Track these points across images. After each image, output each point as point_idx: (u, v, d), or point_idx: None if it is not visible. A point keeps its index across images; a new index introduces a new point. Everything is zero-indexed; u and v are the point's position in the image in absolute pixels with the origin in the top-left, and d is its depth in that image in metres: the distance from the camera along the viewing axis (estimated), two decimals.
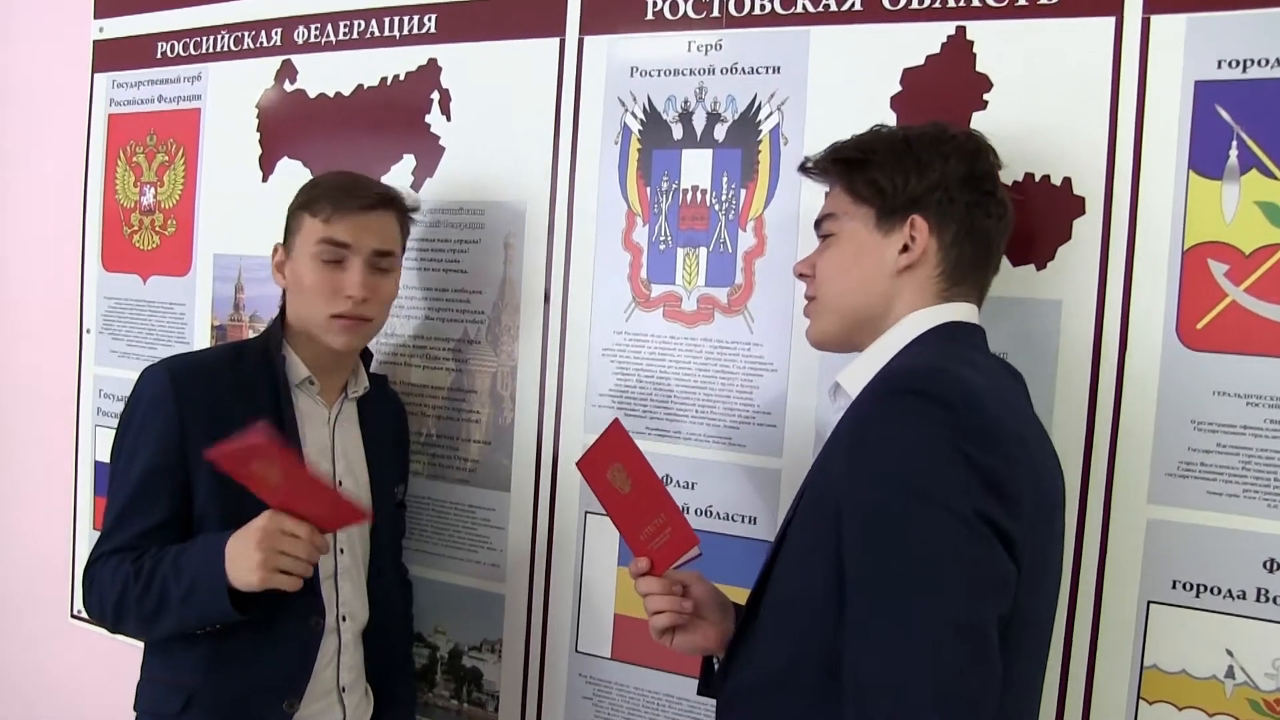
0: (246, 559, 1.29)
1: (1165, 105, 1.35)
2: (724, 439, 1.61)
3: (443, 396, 1.84)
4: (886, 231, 1.18)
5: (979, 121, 1.43)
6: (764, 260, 1.58)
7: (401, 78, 1.86)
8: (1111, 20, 1.37)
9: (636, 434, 1.63)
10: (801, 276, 1.30)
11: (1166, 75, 1.35)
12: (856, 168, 1.21)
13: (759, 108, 1.58)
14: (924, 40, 1.47)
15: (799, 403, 1.56)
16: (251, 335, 2.00)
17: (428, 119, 1.84)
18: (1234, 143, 1.32)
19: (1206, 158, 1.33)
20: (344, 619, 1.56)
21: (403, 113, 1.86)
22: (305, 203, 1.52)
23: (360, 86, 1.90)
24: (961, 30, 1.45)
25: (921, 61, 1.48)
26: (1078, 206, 1.39)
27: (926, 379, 0.98)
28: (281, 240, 1.56)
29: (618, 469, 1.33)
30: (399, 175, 1.86)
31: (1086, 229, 1.39)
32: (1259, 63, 1.31)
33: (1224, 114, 1.33)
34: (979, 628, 0.90)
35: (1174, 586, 1.34)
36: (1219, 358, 1.33)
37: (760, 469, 1.59)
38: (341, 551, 1.56)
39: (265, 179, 2.00)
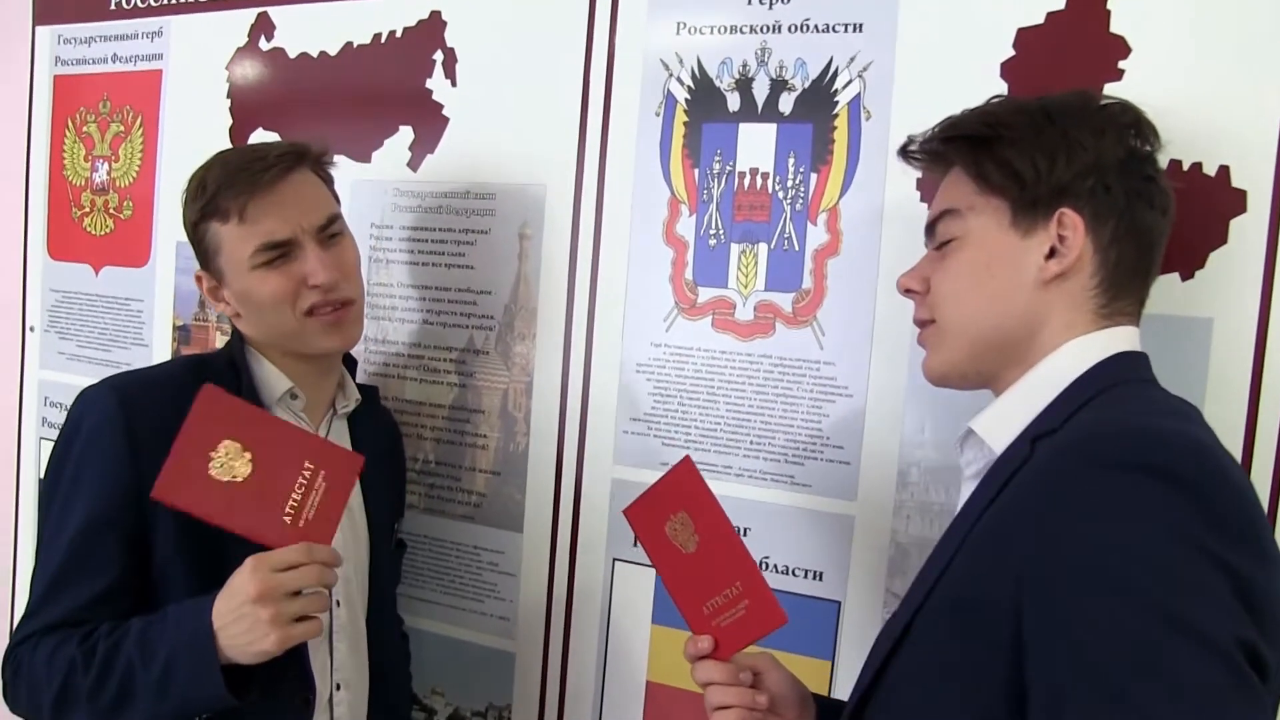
0: (252, 626, 1.09)
1: None
2: (785, 477, 1.41)
3: (443, 416, 1.64)
4: (1026, 231, 0.97)
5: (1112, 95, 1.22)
6: (838, 260, 1.38)
7: (399, 34, 1.65)
8: None
9: None
10: (908, 293, 1.09)
11: None
12: (984, 147, 1.00)
13: (835, 74, 1.37)
14: None
15: (879, 436, 1.36)
16: (220, 336, 1.81)
17: (429, 84, 1.63)
18: None
19: None
20: (338, 688, 1.36)
21: (399, 76, 1.65)
22: (204, 212, 1.28)
23: (349, 45, 1.69)
24: None
25: (1041, 20, 1.26)
26: (1237, 202, 1.18)
27: (1160, 447, 0.77)
28: (199, 265, 1.34)
29: (681, 520, 1.13)
30: (394, 150, 1.66)
31: (1247, 230, 1.18)
32: None
33: None
34: None
35: None
36: None
37: (829, 514, 1.39)
38: (338, 604, 1.36)
39: None
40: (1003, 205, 0.98)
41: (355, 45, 1.69)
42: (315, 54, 1.72)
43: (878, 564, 1.37)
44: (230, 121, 1.81)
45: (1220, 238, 1.19)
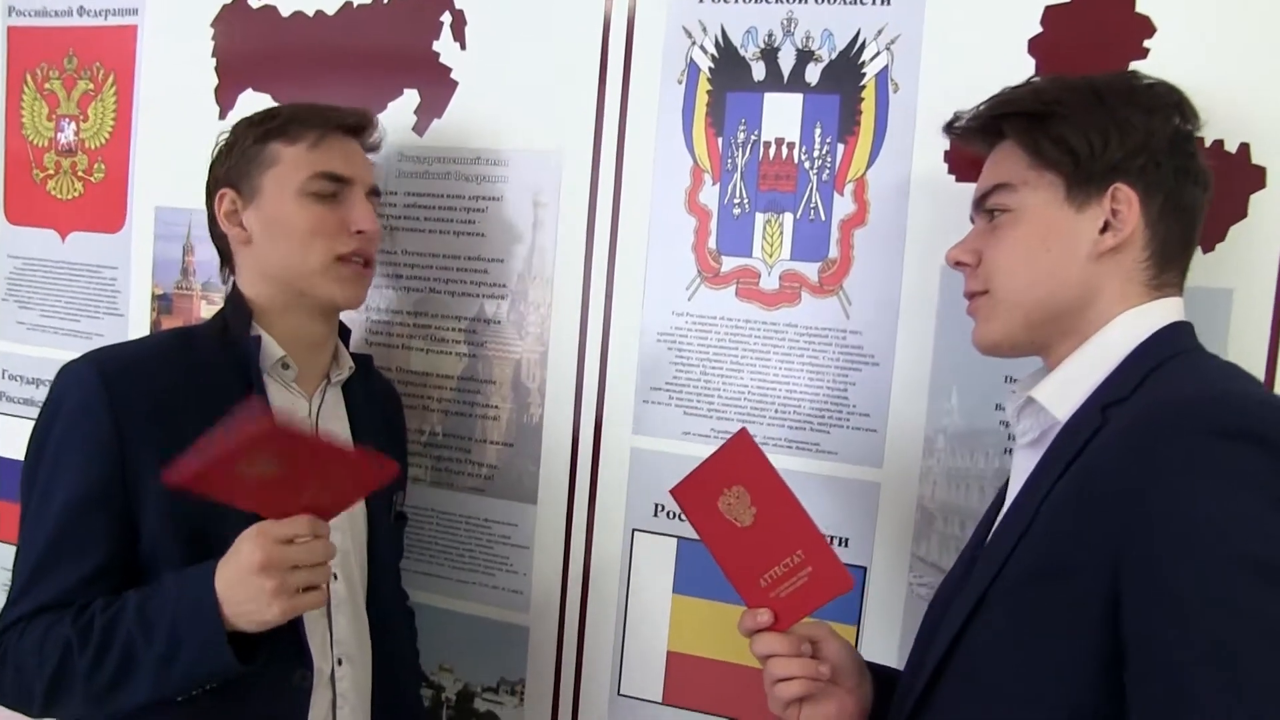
0: (254, 595, 1.11)
1: None
2: (810, 445, 1.48)
3: (451, 388, 1.67)
4: (1081, 205, 1.04)
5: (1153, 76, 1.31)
6: (865, 231, 1.44)
7: None
8: None
9: (700, 437, 1.52)
10: (959, 265, 1.15)
11: None
12: (1039, 123, 1.07)
13: (862, 46, 1.43)
14: None
15: (905, 403, 1.43)
16: (204, 305, 1.79)
17: (436, 46, 1.64)
18: None
19: None
20: (340, 663, 1.38)
21: (404, 39, 1.66)
22: (275, 130, 1.35)
23: (349, 4, 1.69)
24: None
25: None
26: (1256, 178, 1.28)
27: (1252, 414, 0.84)
28: (228, 184, 1.36)
29: (736, 494, 1.16)
30: (398, 114, 1.66)
31: (1266, 205, 1.28)
32: None
33: None
34: None
35: None
36: None
37: (855, 481, 1.46)
38: (335, 577, 1.37)
39: (223, 115, 1.77)
40: (1057, 180, 1.05)
41: (355, 4, 1.68)
42: (311, 13, 1.71)
43: (903, 529, 1.44)
44: (215, 82, 1.78)
45: (1240, 212, 1.29)
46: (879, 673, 1.22)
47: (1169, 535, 0.82)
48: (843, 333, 1.46)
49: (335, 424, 1.42)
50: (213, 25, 1.79)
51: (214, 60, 1.79)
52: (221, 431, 1.01)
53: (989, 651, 0.97)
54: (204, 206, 1.41)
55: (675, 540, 1.54)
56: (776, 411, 1.49)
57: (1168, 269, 1.05)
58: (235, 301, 1.36)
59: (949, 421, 1.42)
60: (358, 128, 1.43)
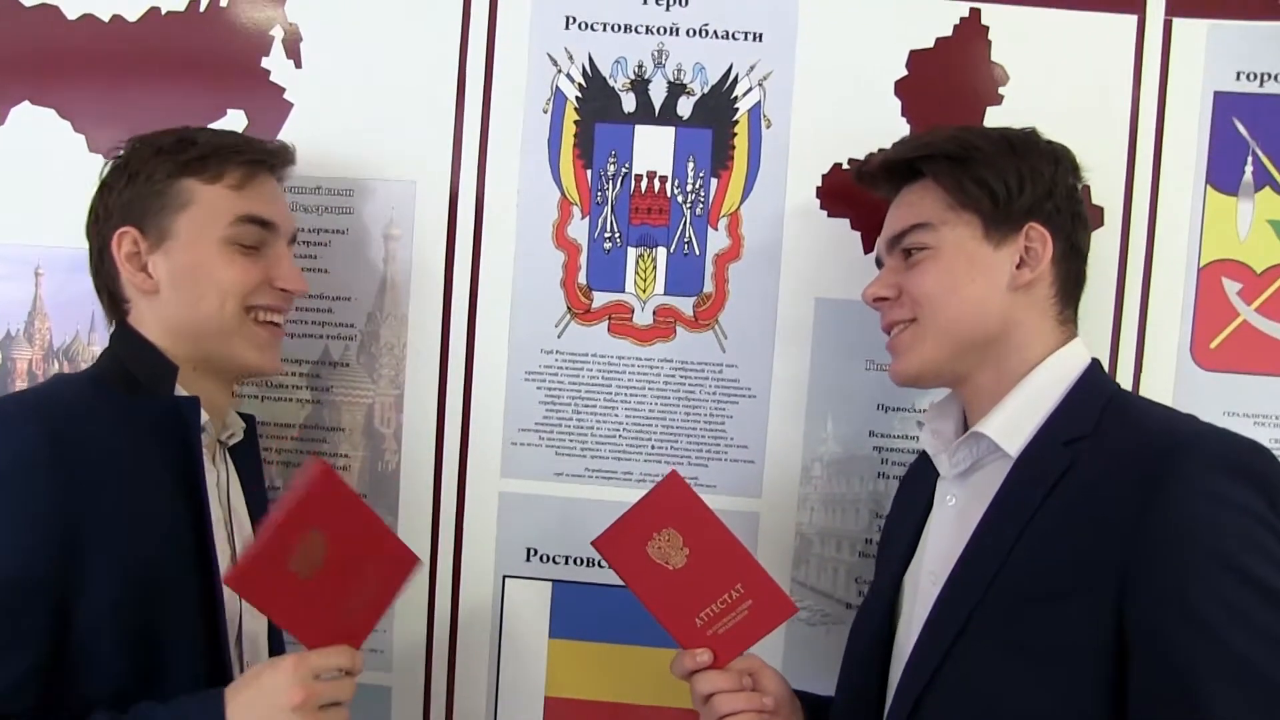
0: None
1: (1185, 114, 1.43)
2: (690, 479, 1.44)
3: (292, 437, 1.53)
4: (998, 243, 1.14)
5: (994, 118, 1.42)
6: (740, 265, 1.47)
7: (223, 3, 1.50)
8: (1134, 19, 1.43)
9: (574, 477, 1.50)
10: (878, 301, 1.21)
11: (1187, 82, 1.43)
12: (961, 166, 1.15)
13: (735, 81, 1.46)
14: (934, 19, 1.45)
15: (782, 434, 1.48)
16: None
17: (265, 63, 1.50)
18: (1249, 158, 1.43)
19: (1223, 172, 1.43)
20: None
21: (225, 53, 1.50)
22: (187, 166, 1.18)
23: (155, 10, 1.50)
24: (976, 13, 1.44)
25: (930, 44, 1.43)
26: (1096, 217, 1.43)
27: (1245, 453, 0.95)
28: (128, 224, 1.17)
29: (667, 537, 1.17)
30: None
31: (1105, 241, 1.43)
32: (1275, 77, 1.41)
33: (1240, 128, 1.42)
34: None
35: None
36: (1230, 377, 1.43)
37: (735, 512, 1.49)
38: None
39: None
40: (974, 220, 1.14)
41: (164, 12, 1.50)
42: (107, 18, 1.51)
43: (783, 556, 1.49)
44: None
45: None
46: (808, 700, 1.26)
47: (1184, 556, 0.91)
48: (719, 366, 1.48)
49: (235, 492, 1.28)
50: None
51: None
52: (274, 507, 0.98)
53: (986, 673, 1.01)
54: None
55: (550, 584, 1.51)
56: (653, 447, 1.49)
57: (1069, 305, 1.17)
58: (146, 351, 1.17)
59: (825, 449, 1.48)
60: (282, 163, 1.30)
